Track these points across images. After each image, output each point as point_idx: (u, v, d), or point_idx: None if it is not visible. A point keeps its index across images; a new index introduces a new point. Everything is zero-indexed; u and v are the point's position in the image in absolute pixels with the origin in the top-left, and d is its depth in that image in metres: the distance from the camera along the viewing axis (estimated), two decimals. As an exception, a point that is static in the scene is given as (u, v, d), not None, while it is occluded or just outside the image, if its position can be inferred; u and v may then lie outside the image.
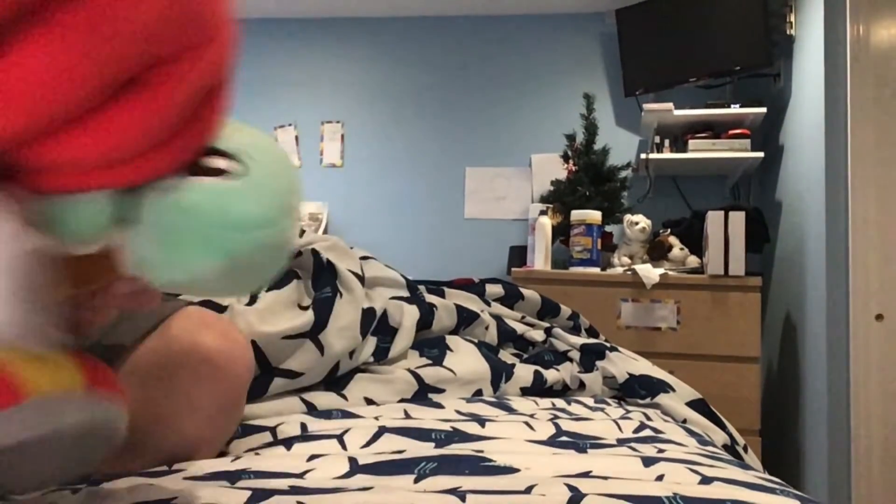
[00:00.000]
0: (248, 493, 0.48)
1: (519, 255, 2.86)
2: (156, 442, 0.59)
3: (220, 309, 0.89)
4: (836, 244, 2.14)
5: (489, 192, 3.34)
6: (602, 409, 0.99)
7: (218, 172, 0.34)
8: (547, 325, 1.37)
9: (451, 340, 1.14)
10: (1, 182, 0.30)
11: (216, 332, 0.64)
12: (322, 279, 0.97)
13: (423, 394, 0.97)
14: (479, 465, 0.57)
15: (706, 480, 0.56)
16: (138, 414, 0.57)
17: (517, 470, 0.56)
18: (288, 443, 0.67)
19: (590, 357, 1.24)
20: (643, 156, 2.87)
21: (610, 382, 1.20)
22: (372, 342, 1.01)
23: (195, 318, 0.65)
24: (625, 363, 1.22)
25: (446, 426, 0.74)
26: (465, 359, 1.08)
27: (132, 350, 0.61)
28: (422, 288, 1.24)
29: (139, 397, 0.58)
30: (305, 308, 0.92)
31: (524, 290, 1.40)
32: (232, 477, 0.54)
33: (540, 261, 2.49)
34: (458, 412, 0.87)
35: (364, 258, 1.18)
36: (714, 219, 2.31)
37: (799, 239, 2.44)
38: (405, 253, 3.34)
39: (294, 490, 0.49)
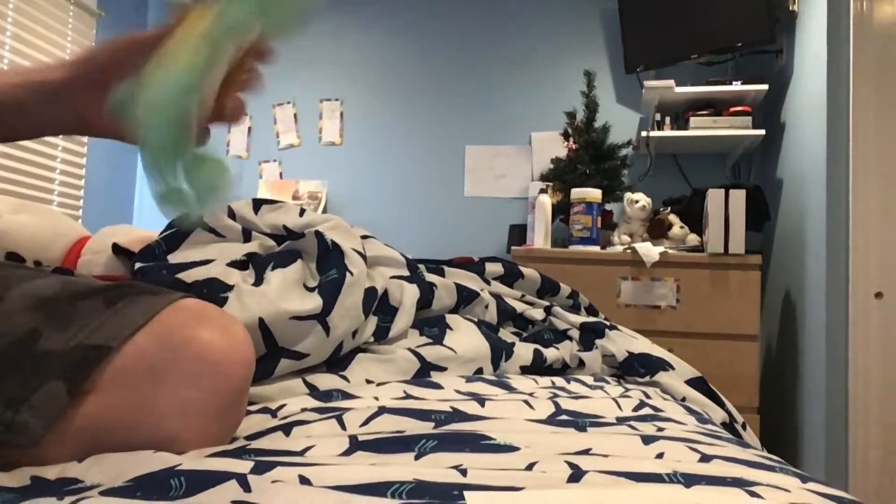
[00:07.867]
0: (252, 463, 0.48)
1: (519, 233, 2.86)
2: (141, 446, 0.54)
3: (225, 288, 0.88)
4: (836, 222, 2.14)
5: (489, 170, 3.33)
6: (601, 388, 1.00)
7: None
8: (546, 303, 1.37)
9: (451, 319, 1.14)
10: None
11: (213, 326, 0.59)
12: (328, 261, 0.96)
13: (425, 372, 0.97)
14: (479, 444, 0.57)
15: (706, 458, 0.56)
16: (124, 417, 0.56)
17: (517, 448, 0.57)
18: (287, 424, 0.67)
19: (589, 335, 1.25)
20: (644, 133, 2.86)
21: (609, 361, 1.20)
22: (373, 321, 1.01)
23: (190, 312, 0.60)
24: (624, 341, 1.22)
25: (446, 406, 0.74)
26: (465, 337, 1.08)
27: (119, 350, 0.56)
28: (421, 267, 1.24)
29: (126, 399, 0.56)
30: (311, 289, 0.91)
31: (524, 269, 1.40)
32: (232, 455, 0.54)
33: (540, 239, 2.49)
34: (458, 392, 0.87)
35: (364, 237, 1.18)
36: (714, 197, 2.31)
37: (799, 217, 2.43)
38: (405, 231, 3.33)
39: (297, 463, 0.49)
